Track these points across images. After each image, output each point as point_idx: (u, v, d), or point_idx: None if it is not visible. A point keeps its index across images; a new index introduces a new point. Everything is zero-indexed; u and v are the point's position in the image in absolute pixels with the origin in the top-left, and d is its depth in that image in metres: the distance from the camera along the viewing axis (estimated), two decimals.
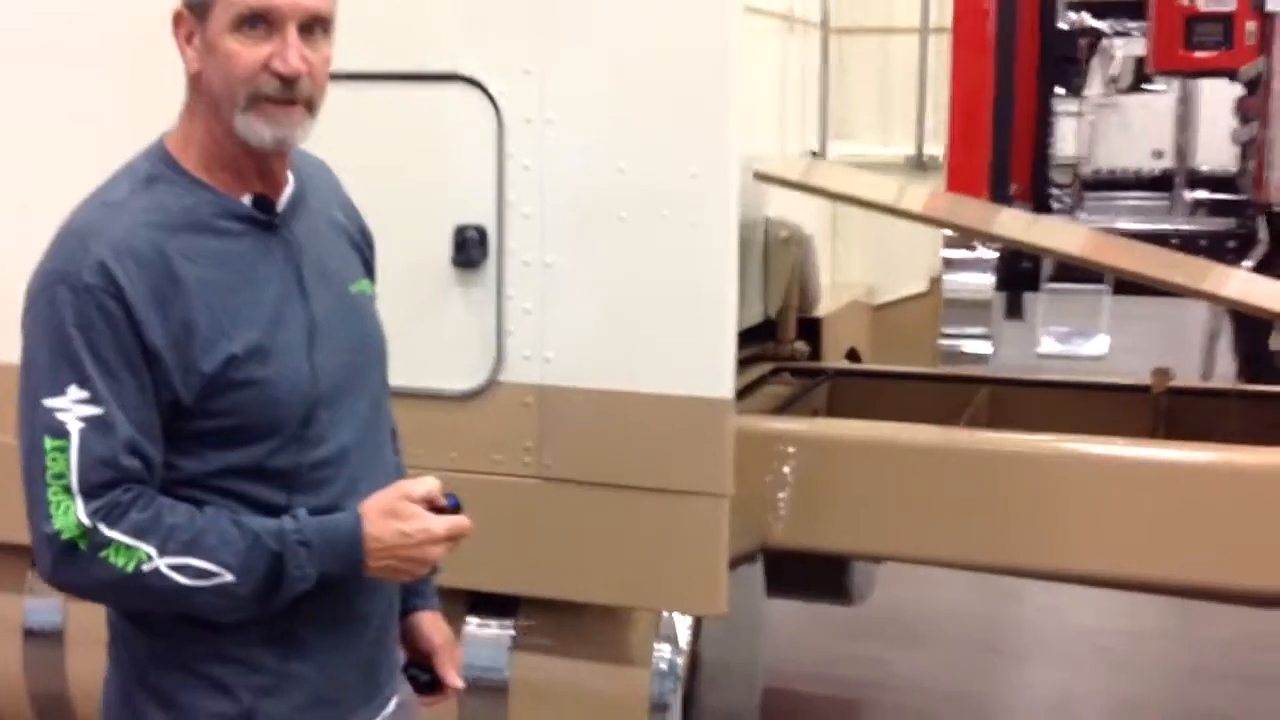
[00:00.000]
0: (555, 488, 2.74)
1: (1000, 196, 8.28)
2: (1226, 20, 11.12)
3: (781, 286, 4.18)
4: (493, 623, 2.88)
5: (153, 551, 1.65)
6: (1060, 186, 16.98)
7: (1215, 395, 3.91)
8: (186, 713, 1.78)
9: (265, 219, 1.78)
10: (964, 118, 8.61)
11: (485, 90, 2.71)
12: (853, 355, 4.65)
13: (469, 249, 2.71)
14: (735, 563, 3.27)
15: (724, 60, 2.60)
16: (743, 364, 4.01)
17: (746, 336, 4.09)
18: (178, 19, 1.74)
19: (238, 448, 1.73)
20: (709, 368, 2.64)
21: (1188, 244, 8.94)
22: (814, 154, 4.62)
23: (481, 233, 2.72)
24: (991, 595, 5.26)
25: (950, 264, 8.87)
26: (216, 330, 1.70)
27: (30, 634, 3.29)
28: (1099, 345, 9.00)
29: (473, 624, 2.87)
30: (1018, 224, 4.42)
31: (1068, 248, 3.90)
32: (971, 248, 8.52)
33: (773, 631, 4.80)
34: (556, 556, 2.76)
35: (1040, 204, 10.19)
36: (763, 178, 3.72)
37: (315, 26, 1.72)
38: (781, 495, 3.41)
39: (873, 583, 4.48)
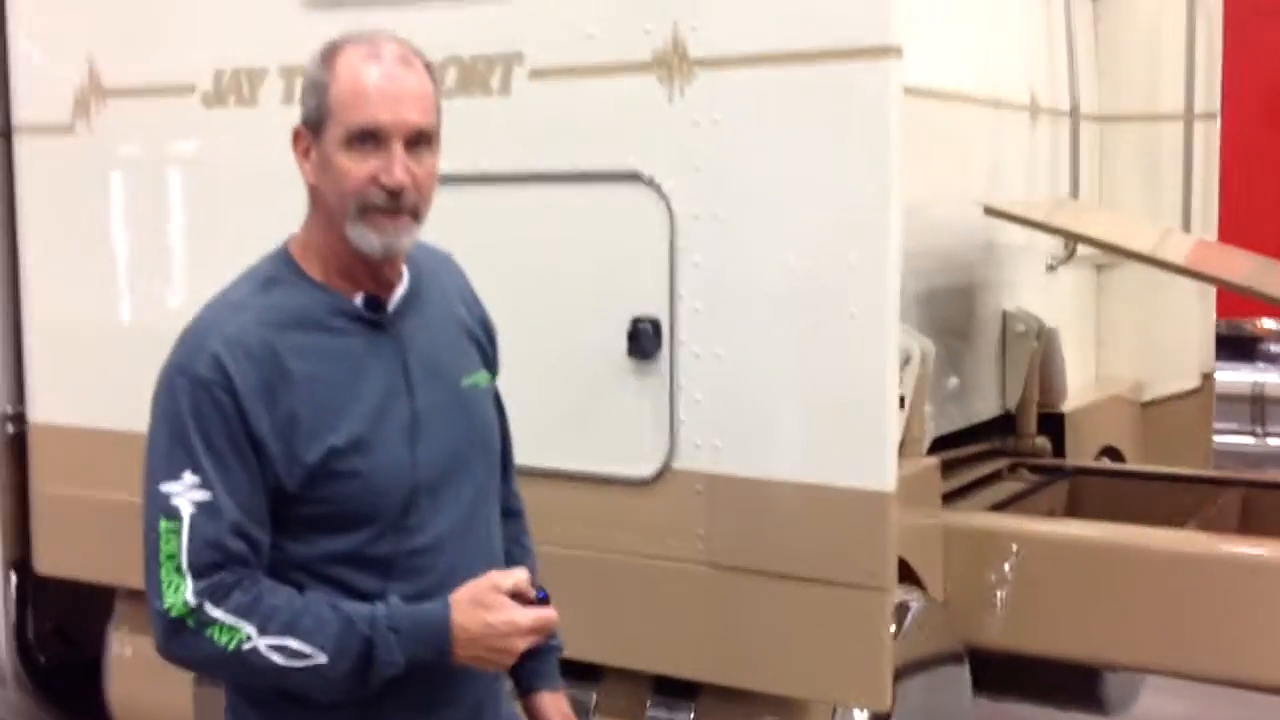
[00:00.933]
0: (724, 574, 2.79)
1: None
2: None
3: (1020, 380, 4.08)
4: (673, 706, 2.92)
5: (253, 631, 1.76)
6: None
7: None
8: None
9: (374, 318, 1.90)
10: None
11: (658, 188, 2.83)
12: (1112, 453, 4.46)
13: (643, 340, 2.82)
14: (938, 661, 3.21)
15: (883, 151, 2.63)
16: (975, 459, 3.95)
17: (981, 431, 4.02)
18: (296, 136, 1.90)
19: (339, 534, 1.84)
20: (868, 459, 2.63)
21: None
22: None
23: (655, 325, 2.83)
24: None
25: (1273, 358, 8.33)
26: (320, 423, 1.82)
27: None
28: None
29: (653, 707, 2.92)
30: None
31: None
32: None
33: None
34: (725, 643, 2.80)
35: None
36: (993, 213, 3.61)
37: (420, 140, 1.85)
38: (999, 594, 3.32)
39: (1135, 692, 4.23)
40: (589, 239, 2.93)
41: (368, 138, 1.81)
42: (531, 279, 2.93)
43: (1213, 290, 4.75)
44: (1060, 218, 3.97)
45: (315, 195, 1.90)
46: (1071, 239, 4.04)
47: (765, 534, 2.75)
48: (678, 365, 2.82)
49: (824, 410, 2.69)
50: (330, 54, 1.85)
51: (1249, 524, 3.71)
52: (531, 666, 2.09)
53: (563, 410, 2.90)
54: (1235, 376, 8.14)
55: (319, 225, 1.90)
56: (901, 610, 2.94)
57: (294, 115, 1.92)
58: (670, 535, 2.83)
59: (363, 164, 1.81)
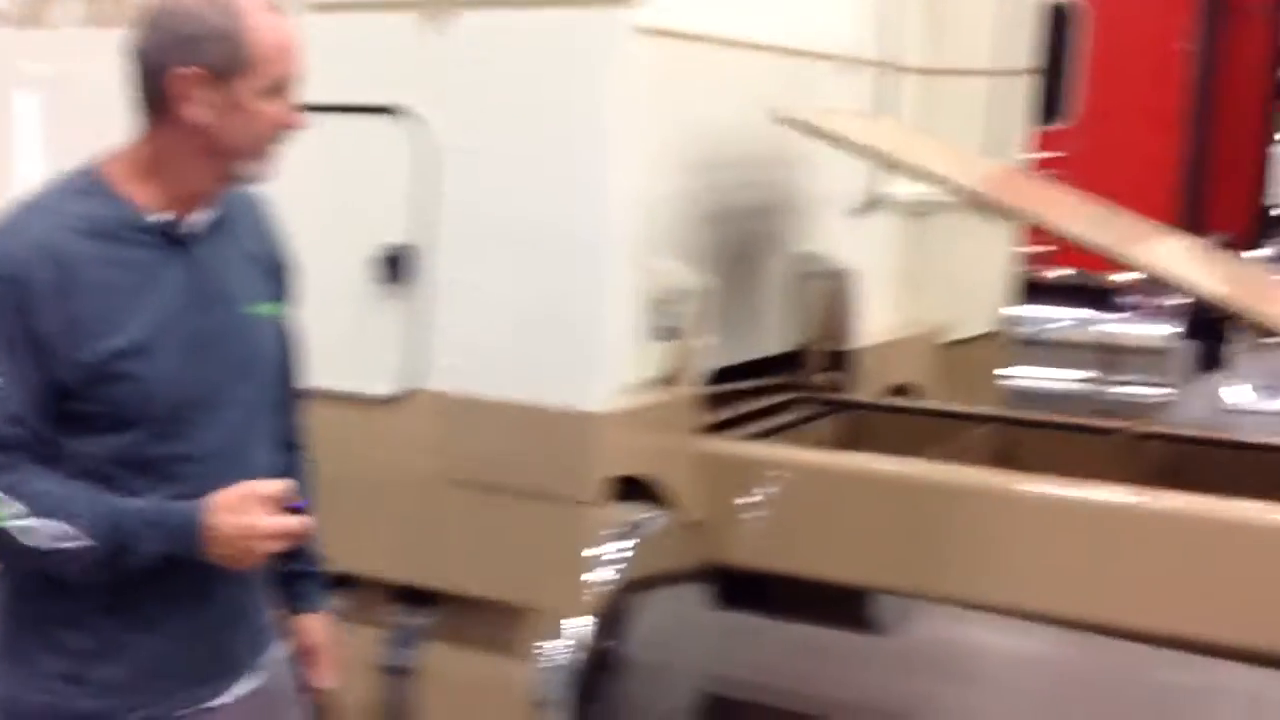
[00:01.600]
0: (460, 489, 2.98)
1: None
2: None
3: (810, 318, 4.29)
4: (414, 613, 3.12)
5: (19, 510, 1.90)
6: None
7: (1213, 444, 3.82)
8: (32, 668, 2.05)
9: (173, 235, 2.04)
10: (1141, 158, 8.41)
11: (421, 121, 2.98)
12: (906, 390, 4.69)
13: (396, 267, 3.00)
14: (674, 577, 3.44)
15: (613, 93, 2.80)
16: (759, 392, 4.16)
17: (769, 365, 4.23)
18: (184, 77, 1.95)
19: (110, 434, 1.98)
20: (579, 383, 2.83)
21: None
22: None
23: (408, 252, 3.00)
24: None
25: (1129, 309, 8.66)
26: (104, 326, 1.95)
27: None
28: None
29: (391, 613, 3.12)
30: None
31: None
32: (1152, 295, 8.27)
33: (807, 657, 4.87)
34: (459, 553, 3.00)
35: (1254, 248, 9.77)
36: (786, 122, 3.70)
37: None
38: (752, 516, 3.53)
39: (908, 615, 4.48)
40: (353, 169, 3.09)
41: (283, 86, 2.00)
42: (299, 206, 3.03)
43: (1013, 235, 4.99)
44: (858, 131, 4.01)
45: (197, 132, 1.98)
46: (857, 153, 4.04)
47: (496, 452, 2.95)
48: (427, 291, 2.99)
49: (550, 336, 2.88)
50: (229, 4, 1.97)
51: (1003, 456, 3.95)
52: (296, 588, 2.28)
53: (319, 330, 3.00)
54: (1086, 325, 8.47)
55: (181, 155, 2.00)
56: (636, 527, 3.15)
57: (93, 37, 2.00)
58: (413, 452, 3.02)
59: (276, 108, 2.00)
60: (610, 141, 2.79)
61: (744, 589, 4.04)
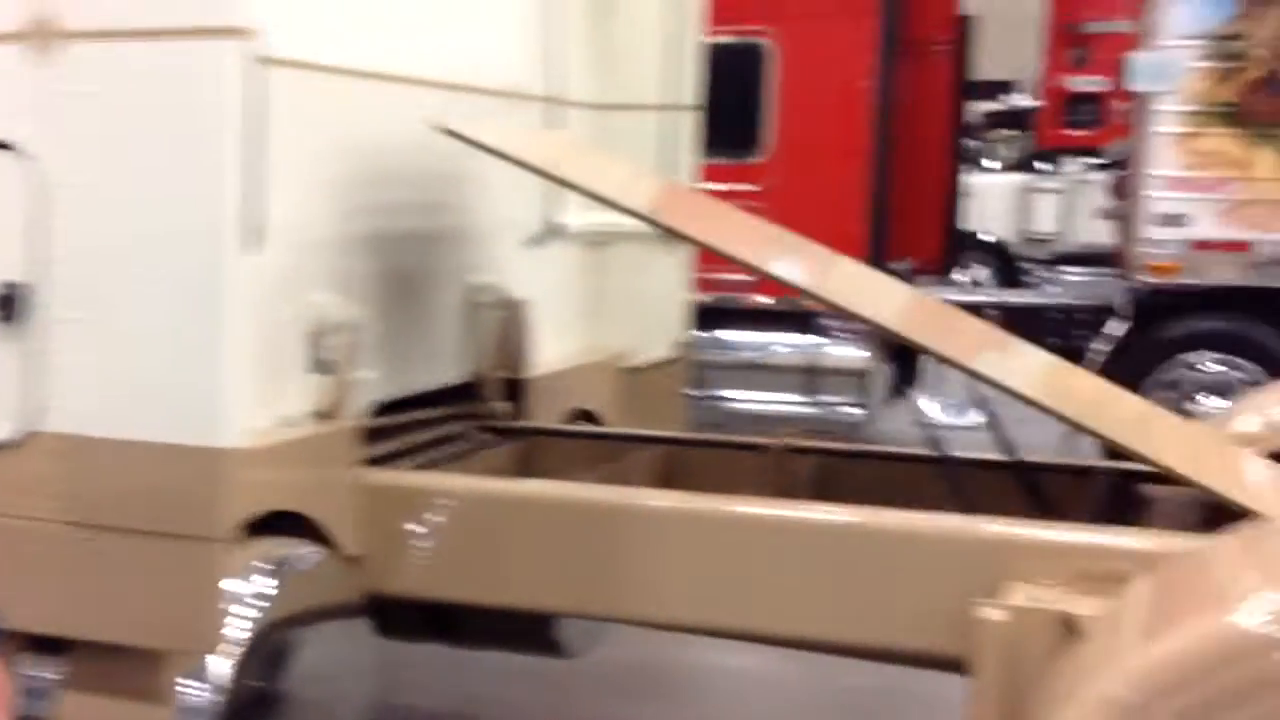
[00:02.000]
0: (86, 532, 2.88)
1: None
2: (1099, 100, 11.38)
3: (485, 348, 4.31)
4: (44, 663, 3.00)
5: None
6: (1033, 262, 16.99)
7: (859, 456, 4.03)
8: None
9: None
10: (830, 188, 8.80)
11: (30, 156, 2.89)
12: (587, 416, 4.76)
13: (10, 306, 2.89)
14: (343, 610, 3.40)
15: (223, 126, 2.77)
16: (436, 422, 4.16)
17: (445, 395, 4.23)
18: None
19: None
20: (206, 419, 2.79)
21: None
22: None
23: (21, 290, 2.89)
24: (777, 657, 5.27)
25: (829, 332, 9.03)
26: None
27: None
28: (972, 417, 9.05)
29: (25, 663, 2.99)
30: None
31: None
32: (850, 319, 8.65)
33: (493, 682, 4.89)
34: (88, 599, 2.90)
35: (947, 274, 10.35)
36: (451, 134, 3.64)
37: None
38: (416, 546, 3.52)
39: (595, 637, 4.53)
40: None
41: None
42: None
43: (689, 263, 5.14)
44: (522, 145, 4.00)
45: None
46: (520, 166, 4.00)
47: (124, 493, 2.87)
48: (42, 330, 2.89)
49: (173, 373, 2.83)
50: None
51: (670, 477, 4.06)
52: None
53: None
54: (791, 348, 8.81)
55: None
56: (282, 564, 3.10)
57: None
58: (34, 496, 2.92)
59: None
60: (227, 175, 2.76)
61: (431, 619, 4.04)
